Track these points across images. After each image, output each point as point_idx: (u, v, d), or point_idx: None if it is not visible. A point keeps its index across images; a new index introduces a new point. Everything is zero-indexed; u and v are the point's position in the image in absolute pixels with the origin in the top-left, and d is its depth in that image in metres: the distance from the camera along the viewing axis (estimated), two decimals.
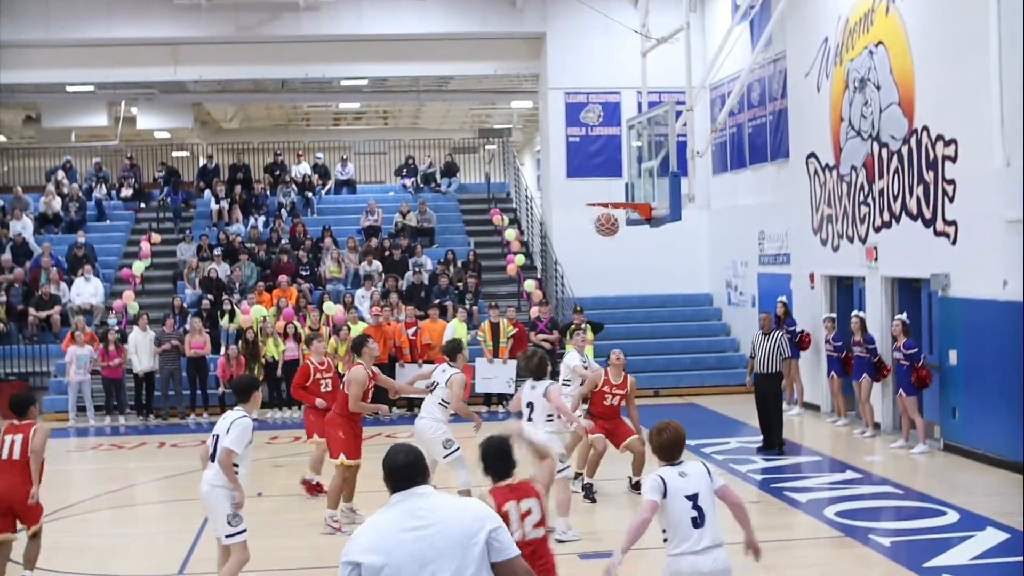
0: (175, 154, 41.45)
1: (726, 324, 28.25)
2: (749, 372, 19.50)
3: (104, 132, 38.69)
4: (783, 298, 22.66)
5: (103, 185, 33.51)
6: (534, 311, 25.37)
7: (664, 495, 7.81)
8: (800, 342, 21.96)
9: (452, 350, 14.06)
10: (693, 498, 7.83)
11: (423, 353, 23.68)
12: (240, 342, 24.18)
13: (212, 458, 10.26)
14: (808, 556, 12.56)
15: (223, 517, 10.22)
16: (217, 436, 10.22)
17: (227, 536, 10.24)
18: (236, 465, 10.15)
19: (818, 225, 22.52)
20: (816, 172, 22.49)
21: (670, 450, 8.04)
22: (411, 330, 24.28)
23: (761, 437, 18.65)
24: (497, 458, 7.50)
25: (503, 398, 24.28)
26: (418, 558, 5.49)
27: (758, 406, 18.71)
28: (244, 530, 10.29)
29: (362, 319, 24.57)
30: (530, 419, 12.68)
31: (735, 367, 25.20)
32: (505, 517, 7.06)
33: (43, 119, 36.78)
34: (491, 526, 5.64)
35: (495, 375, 24.20)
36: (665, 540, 7.91)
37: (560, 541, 12.50)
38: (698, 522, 7.82)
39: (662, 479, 7.89)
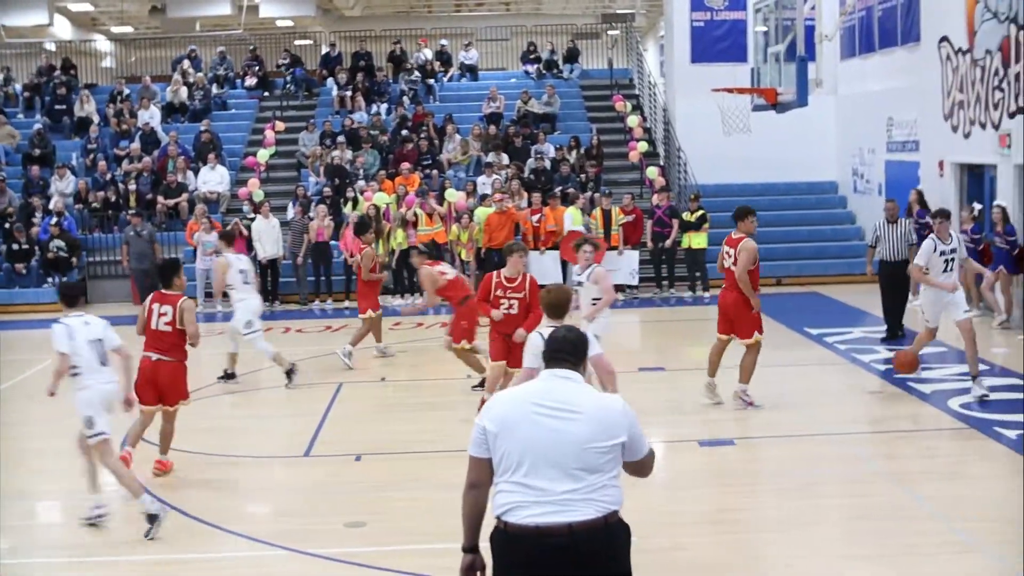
0: (298, 42, 41.60)
1: (851, 212, 27.78)
2: (869, 261, 19.19)
3: (228, 21, 38.95)
4: (920, 187, 22.16)
5: (228, 73, 33.84)
6: (655, 199, 25.19)
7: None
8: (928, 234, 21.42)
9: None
10: None
11: (548, 240, 23.68)
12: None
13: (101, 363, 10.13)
14: (932, 447, 12.39)
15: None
16: (101, 340, 10.11)
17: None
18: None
19: (949, 111, 21.89)
20: (948, 56, 21.81)
21: (555, 309, 8.60)
22: (535, 217, 24.29)
23: (885, 328, 18.42)
24: (161, 275, 11.58)
25: (620, 288, 24.36)
26: (540, 439, 5.49)
27: (884, 294, 18.45)
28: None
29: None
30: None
31: (859, 256, 24.70)
32: (151, 313, 11.32)
33: (168, 9, 37.08)
34: (632, 426, 5.63)
35: (617, 267, 24.17)
36: None
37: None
38: None
39: (543, 339, 8.24)
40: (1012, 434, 12.35)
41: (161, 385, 11.44)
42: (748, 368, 13.81)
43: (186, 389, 11.81)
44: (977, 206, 20.49)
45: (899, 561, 8.93)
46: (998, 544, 9.20)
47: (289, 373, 16.09)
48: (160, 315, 11.34)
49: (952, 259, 14.27)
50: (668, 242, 24.26)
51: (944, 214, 14.77)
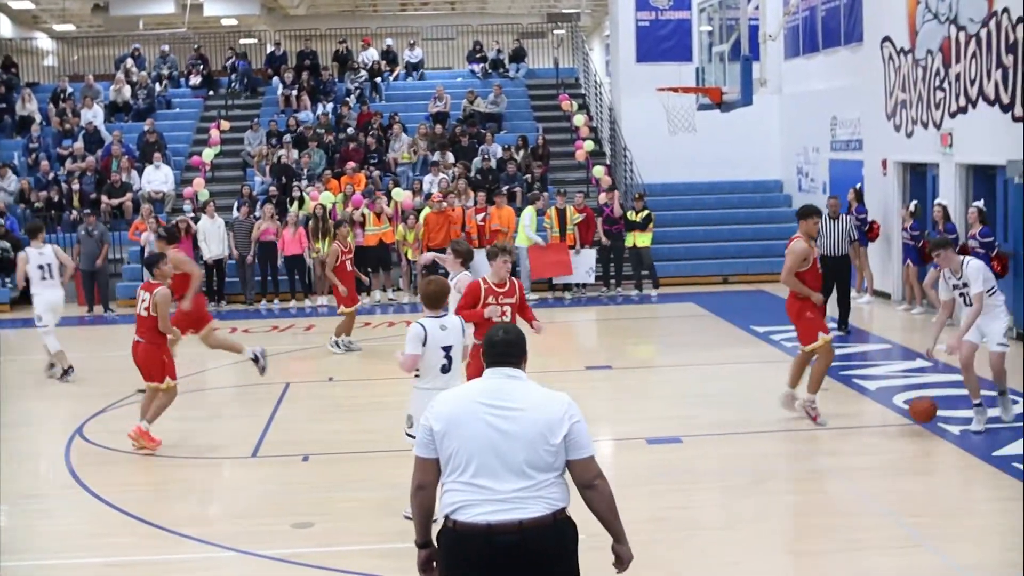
0: (243, 41, 41.35)
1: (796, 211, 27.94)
2: None
3: (172, 19, 38.67)
4: (858, 186, 22.39)
5: (172, 72, 33.60)
6: (602, 197, 25.27)
7: (424, 343, 9.23)
8: (869, 231, 21.62)
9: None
10: (447, 349, 9.34)
11: (492, 238, 23.70)
12: (310, 222, 24.28)
13: None
14: (876, 444, 12.50)
15: None
16: None
17: None
18: None
19: (892, 111, 22.11)
20: (891, 56, 22.02)
21: (435, 300, 9.42)
22: (480, 216, 24.29)
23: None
24: (147, 266, 12.83)
25: (567, 287, 24.49)
26: (487, 437, 5.48)
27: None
28: None
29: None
30: None
31: None
32: (139, 300, 12.47)
33: (111, 7, 36.73)
34: (574, 419, 5.58)
35: (574, 265, 24.22)
36: (416, 376, 9.41)
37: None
38: (446, 368, 9.36)
39: (424, 328, 9.28)
40: (955, 430, 12.51)
41: (139, 364, 12.76)
42: (817, 376, 13.03)
43: (161, 373, 12.66)
44: (914, 202, 20.73)
45: (845, 557, 9.00)
46: (942, 539, 9.30)
47: (56, 372, 16.82)
48: (142, 301, 12.57)
49: (966, 293, 12.46)
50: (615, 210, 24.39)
51: (941, 244, 12.58)
